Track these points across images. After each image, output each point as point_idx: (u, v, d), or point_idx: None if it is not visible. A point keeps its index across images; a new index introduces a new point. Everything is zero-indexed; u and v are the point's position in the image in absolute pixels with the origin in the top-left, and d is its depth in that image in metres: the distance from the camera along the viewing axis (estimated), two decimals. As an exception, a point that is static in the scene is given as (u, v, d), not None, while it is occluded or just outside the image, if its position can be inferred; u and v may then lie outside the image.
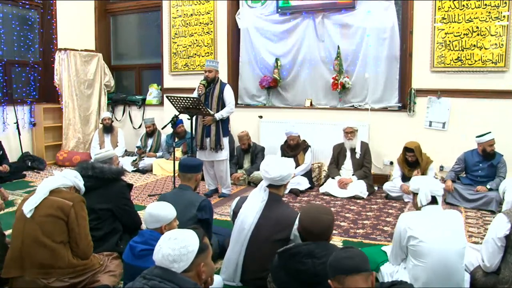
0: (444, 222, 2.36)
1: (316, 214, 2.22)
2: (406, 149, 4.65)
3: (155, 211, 2.35)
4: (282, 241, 2.54)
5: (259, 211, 2.64)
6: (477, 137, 4.48)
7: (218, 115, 4.65)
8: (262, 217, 2.62)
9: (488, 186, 4.36)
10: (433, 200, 2.48)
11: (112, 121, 6.82)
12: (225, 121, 4.79)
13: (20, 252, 2.34)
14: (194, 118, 4.58)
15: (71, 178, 2.64)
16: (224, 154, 4.78)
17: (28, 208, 2.36)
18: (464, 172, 4.66)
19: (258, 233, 2.60)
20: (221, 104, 4.71)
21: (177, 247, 1.64)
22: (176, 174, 4.50)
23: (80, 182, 2.70)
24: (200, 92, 4.62)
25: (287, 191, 4.88)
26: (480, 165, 4.48)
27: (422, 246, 2.30)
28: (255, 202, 2.69)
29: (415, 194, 2.59)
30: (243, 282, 2.70)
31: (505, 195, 2.64)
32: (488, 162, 4.43)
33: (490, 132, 4.43)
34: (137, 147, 6.59)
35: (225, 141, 4.78)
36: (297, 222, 2.53)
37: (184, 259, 1.64)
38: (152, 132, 6.58)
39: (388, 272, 2.54)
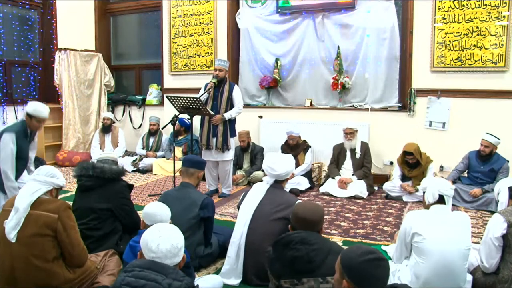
0: (450, 223, 2.36)
1: (309, 205, 2.42)
2: (406, 153, 4.63)
3: (151, 210, 2.42)
4: (283, 220, 2.68)
5: (263, 193, 2.81)
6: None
7: (227, 115, 4.68)
8: (265, 198, 2.79)
9: (485, 188, 4.32)
10: (442, 200, 2.48)
11: (113, 122, 6.81)
12: (233, 122, 4.81)
13: (11, 273, 2.24)
14: (198, 118, 4.57)
15: (45, 179, 2.37)
16: (231, 154, 4.80)
17: (11, 234, 2.21)
18: (466, 171, 4.65)
19: (260, 212, 2.74)
20: (230, 104, 4.73)
21: (176, 241, 1.70)
22: (176, 174, 4.50)
23: (57, 180, 2.43)
24: (210, 89, 4.63)
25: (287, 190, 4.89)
26: (481, 168, 4.45)
27: (424, 243, 2.31)
28: (259, 188, 2.88)
29: (424, 193, 2.59)
30: (244, 273, 2.71)
31: (499, 196, 2.66)
32: (489, 166, 4.38)
33: (489, 133, 4.40)
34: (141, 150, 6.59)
35: (232, 141, 4.80)
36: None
37: (180, 254, 1.72)
38: (155, 131, 6.58)
39: (390, 271, 2.53)
